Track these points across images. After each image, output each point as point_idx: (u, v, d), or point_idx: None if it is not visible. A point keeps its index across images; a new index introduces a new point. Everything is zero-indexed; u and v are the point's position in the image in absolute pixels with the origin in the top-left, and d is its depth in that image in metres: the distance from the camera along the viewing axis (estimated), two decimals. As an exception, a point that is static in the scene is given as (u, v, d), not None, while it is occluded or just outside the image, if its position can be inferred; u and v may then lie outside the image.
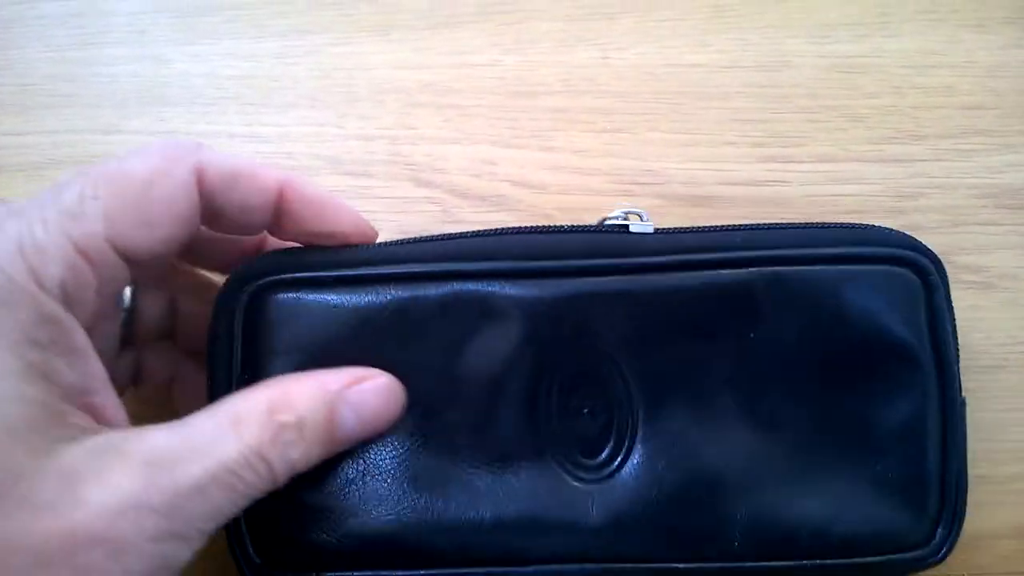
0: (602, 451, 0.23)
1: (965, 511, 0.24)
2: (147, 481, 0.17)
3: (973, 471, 0.24)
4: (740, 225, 0.24)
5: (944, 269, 0.24)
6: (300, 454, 0.20)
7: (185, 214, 0.20)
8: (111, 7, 0.32)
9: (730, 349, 0.23)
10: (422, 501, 0.22)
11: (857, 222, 0.25)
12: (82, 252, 0.18)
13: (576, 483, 0.23)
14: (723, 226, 0.24)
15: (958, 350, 0.24)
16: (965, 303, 0.28)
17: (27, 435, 0.16)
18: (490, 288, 0.23)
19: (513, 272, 0.23)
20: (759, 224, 0.24)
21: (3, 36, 0.32)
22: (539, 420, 0.23)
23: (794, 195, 0.29)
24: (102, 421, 0.19)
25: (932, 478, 0.23)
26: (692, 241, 0.24)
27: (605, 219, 0.25)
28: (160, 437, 0.18)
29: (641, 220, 0.24)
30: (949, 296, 0.24)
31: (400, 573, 0.22)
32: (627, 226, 0.24)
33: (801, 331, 0.23)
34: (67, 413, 0.18)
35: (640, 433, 0.23)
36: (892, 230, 0.25)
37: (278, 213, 0.22)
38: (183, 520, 0.17)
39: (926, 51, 0.30)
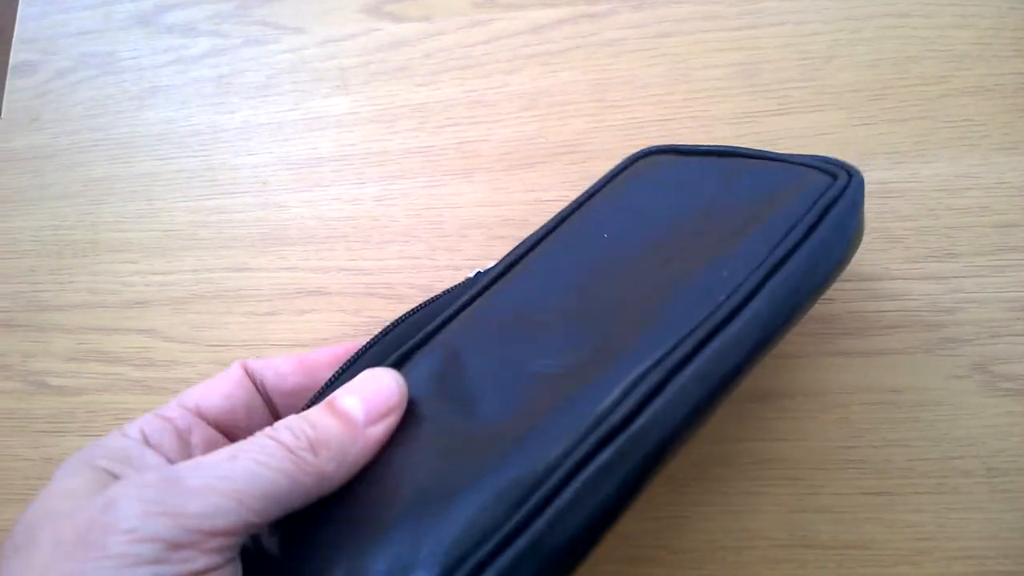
0: None
1: None
2: (143, 480, 0.20)
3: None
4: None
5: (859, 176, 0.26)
6: (326, 464, 0.22)
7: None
8: (238, 162, 0.37)
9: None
10: None
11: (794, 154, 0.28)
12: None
13: None
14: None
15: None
16: (1002, 409, 0.31)
17: None
18: None
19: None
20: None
21: (148, 188, 0.38)
22: None
23: (839, 311, 0.32)
24: None
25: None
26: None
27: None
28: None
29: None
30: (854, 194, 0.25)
31: None
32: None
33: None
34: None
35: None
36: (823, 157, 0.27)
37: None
38: (194, 522, 0.19)
39: (959, 174, 0.33)
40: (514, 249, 0.28)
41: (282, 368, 0.27)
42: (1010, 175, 0.33)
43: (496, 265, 0.28)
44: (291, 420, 0.21)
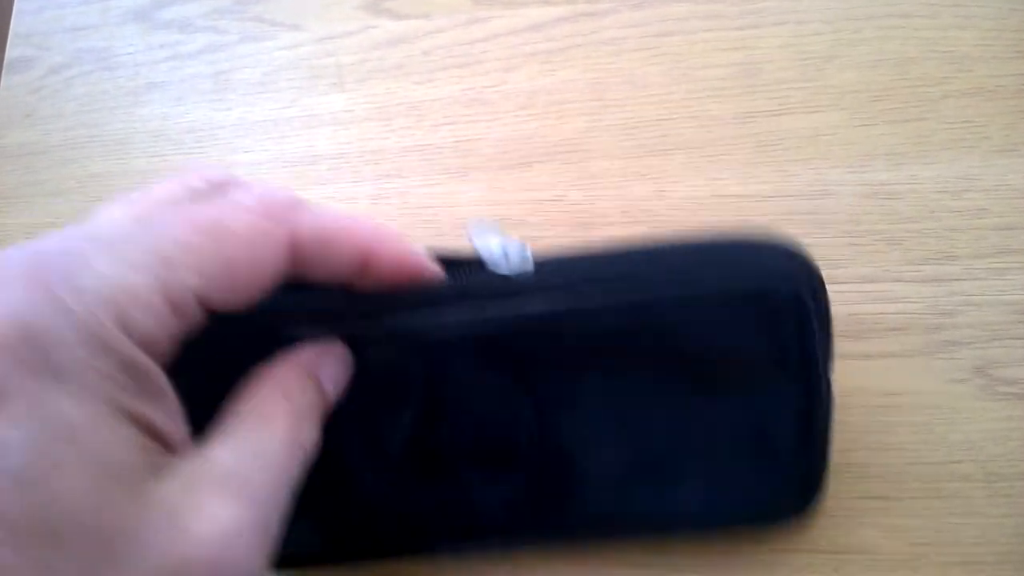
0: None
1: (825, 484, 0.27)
2: (238, 507, 0.17)
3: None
4: (616, 248, 0.26)
5: (819, 277, 0.26)
6: (315, 431, 0.21)
7: (272, 277, 0.20)
8: (234, 160, 0.37)
9: (606, 375, 0.25)
10: None
11: (736, 234, 0.26)
12: (170, 302, 0.18)
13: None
14: (600, 249, 0.26)
15: (832, 353, 0.27)
16: (1002, 413, 0.30)
17: (127, 478, 0.16)
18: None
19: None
20: (636, 248, 0.25)
21: (143, 185, 0.38)
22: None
23: (838, 313, 0.32)
24: (171, 449, 0.18)
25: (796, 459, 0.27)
26: (571, 275, 0.25)
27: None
28: (225, 457, 0.19)
29: (522, 256, 0.25)
30: (823, 305, 0.26)
31: None
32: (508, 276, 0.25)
33: (670, 356, 0.25)
34: (152, 451, 0.17)
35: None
36: (772, 243, 0.26)
37: (360, 273, 0.22)
38: (271, 527, 0.18)
39: (959, 176, 0.33)
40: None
41: (354, 249, 0.22)
42: (1011, 177, 0.32)
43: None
44: None
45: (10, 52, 0.41)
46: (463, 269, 0.25)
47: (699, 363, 0.25)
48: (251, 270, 0.19)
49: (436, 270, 0.24)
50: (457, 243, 0.34)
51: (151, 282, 0.17)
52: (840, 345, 0.31)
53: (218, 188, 0.21)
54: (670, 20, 0.35)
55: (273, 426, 0.19)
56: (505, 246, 0.25)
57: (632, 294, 0.24)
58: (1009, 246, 0.32)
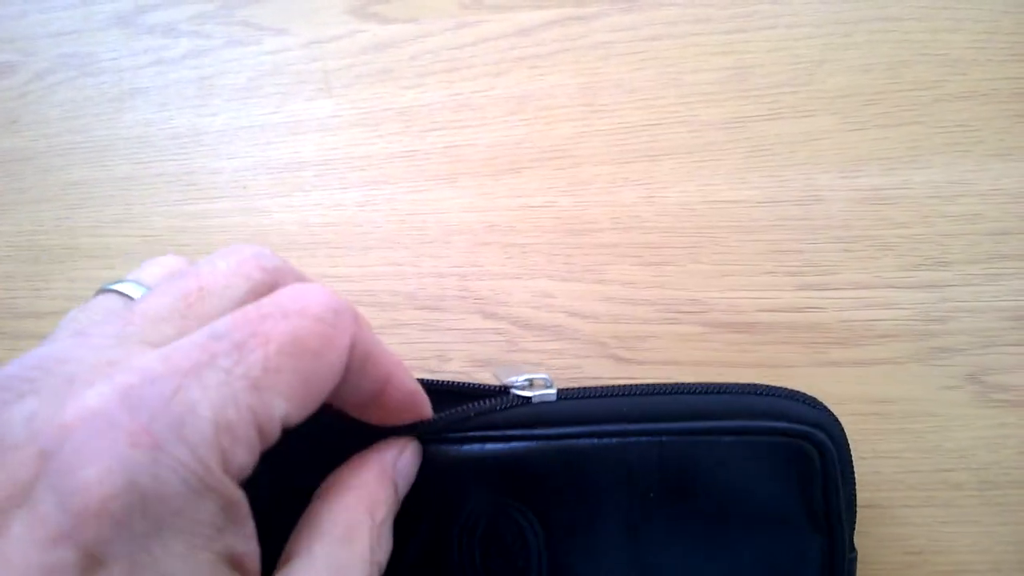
0: None
1: None
2: None
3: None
4: (641, 387, 0.26)
5: (843, 433, 0.25)
6: (390, 542, 0.21)
7: (329, 391, 0.19)
8: (219, 166, 0.37)
9: (622, 509, 0.25)
10: None
11: (762, 385, 0.26)
12: (260, 431, 0.17)
13: None
14: (624, 389, 0.26)
15: (855, 510, 0.26)
16: (995, 421, 0.30)
17: None
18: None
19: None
20: (660, 388, 0.26)
21: (126, 192, 0.37)
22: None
23: (830, 320, 0.32)
24: (244, 571, 0.18)
25: None
26: (592, 409, 0.25)
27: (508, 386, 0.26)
28: None
29: (545, 386, 0.26)
30: (847, 460, 0.25)
31: None
32: (529, 398, 0.25)
33: (689, 495, 0.25)
34: None
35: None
36: (799, 398, 0.26)
37: (375, 399, 0.22)
38: None
39: (953, 181, 0.32)
40: None
41: (381, 371, 0.21)
42: (1004, 181, 0.32)
43: None
44: None
45: (-7, 57, 0.41)
46: (484, 398, 0.25)
47: (718, 505, 0.25)
48: (322, 385, 0.18)
49: (430, 412, 0.24)
50: (447, 251, 0.34)
51: (247, 417, 0.16)
52: (832, 352, 0.31)
53: (274, 278, 0.20)
54: (659, 24, 0.35)
55: (355, 548, 0.19)
56: (530, 377, 0.26)
57: (653, 434, 0.25)
58: (1003, 252, 0.32)
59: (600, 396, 0.26)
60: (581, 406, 0.25)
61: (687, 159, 0.34)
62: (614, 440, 0.25)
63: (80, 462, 0.14)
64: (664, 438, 0.25)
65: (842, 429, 0.25)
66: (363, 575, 0.19)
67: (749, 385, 0.26)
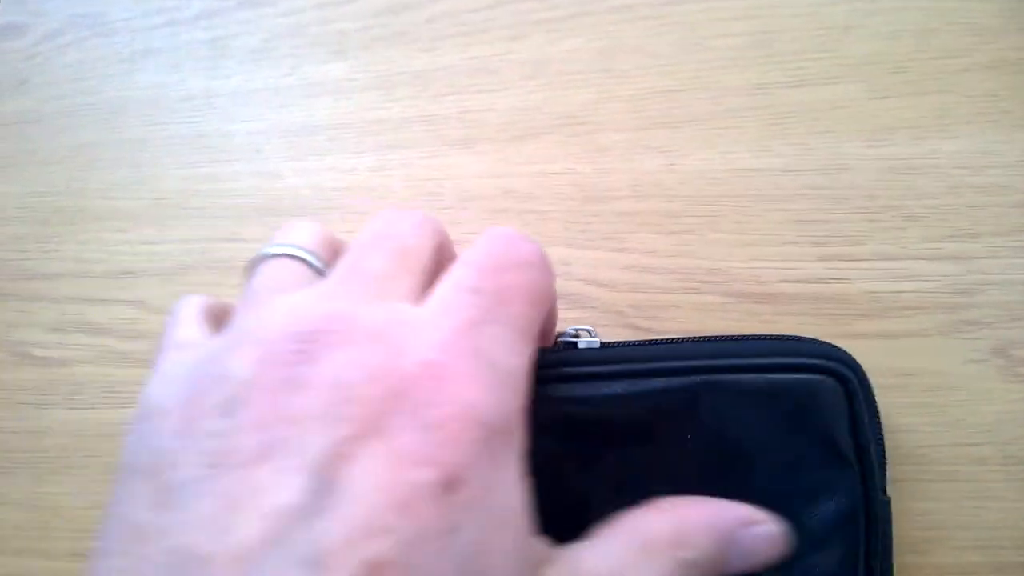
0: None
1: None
2: None
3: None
4: (681, 338, 0.27)
5: (866, 378, 0.26)
6: None
7: None
8: (231, 129, 0.36)
9: (672, 448, 0.25)
10: None
11: (790, 335, 0.27)
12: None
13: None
14: (664, 339, 0.27)
15: (883, 452, 0.26)
16: (1021, 395, 0.29)
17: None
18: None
19: None
20: (699, 336, 0.27)
21: (137, 154, 0.37)
22: None
23: (854, 292, 0.31)
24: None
25: (858, 572, 0.25)
26: (636, 353, 0.26)
27: (558, 336, 0.27)
28: (590, 563, 0.19)
29: (589, 336, 0.27)
30: (872, 402, 0.26)
31: None
32: (575, 343, 0.26)
33: (733, 432, 0.25)
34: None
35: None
36: (821, 341, 0.26)
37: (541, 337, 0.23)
38: None
39: (981, 151, 0.32)
40: None
41: None
42: (1034, 152, 0.31)
43: None
44: None
45: (3, 18, 0.40)
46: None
47: (748, 442, 0.25)
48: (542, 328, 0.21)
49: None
50: (462, 216, 0.34)
51: (525, 364, 0.19)
52: (856, 324, 0.31)
53: (444, 237, 0.22)
54: (683, -12, 0.34)
55: (651, 564, 0.19)
56: (576, 328, 0.27)
57: (686, 372, 0.25)
58: (1031, 223, 0.31)
59: (639, 345, 0.26)
60: (623, 352, 0.26)
61: (709, 126, 0.33)
62: (654, 380, 0.25)
63: (436, 400, 0.16)
64: (698, 377, 0.25)
65: (863, 371, 0.26)
66: None
67: (766, 335, 0.27)
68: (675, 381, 0.25)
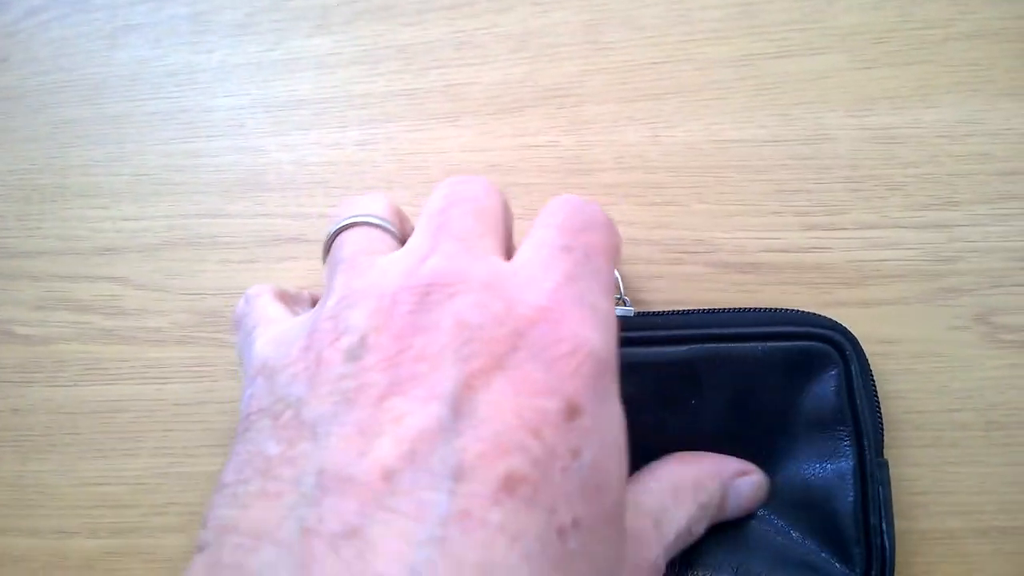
0: None
1: (893, 565, 0.26)
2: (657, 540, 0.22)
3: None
4: (692, 310, 0.29)
5: (859, 345, 0.28)
6: (700, 531, 0.24)
7: None
8: (214, 104, 0.36)
9: (679, 413, 0.27)
10: None
11: (788, 308, 0.29)
12: None
13: None
14: (681, 311, 0.29)
15: (880, 417, 0.27)
16: (1002, 361, 0.30)
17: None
18: None
19: None
20: (704, 309, 0.29)
21: (119, 131, 0.36)
22: None
23: (837, 260, 0.31)
24: None
25: (855, 534, 0.26)
26: (656, 321, 0.29)
27: None
28: (642, 498, 0.23)
29: (624, 304, 0.30)
30: (867, 370, 0.28)
31: None
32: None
33: (733, 398, 0.27)
34: None
35: None
36: (814, 314, 0.28)
37: None
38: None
39: (963, 120, 0.32)
40: None
41: None
42: (1015, 121, 0.32)
43: None
44: None
45: (-18, -4, 0.40)
46: None
47: (748, 405, 0.27)
48: None
49: None
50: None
51: (614, 314, 0.21)
52: (838, 292, 0.31)
53: (504, 198, 0.23)
54: (667, -40, 0.34)
55: (680, 504, 0.24)
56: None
57: (689, 340, 0.28)
58: (1012, 191, 0.31)
59: (667, 313, 0.29)
60: (653, 322, 0.29)
61: (693, 97, 0.33)
62: (667, 347, 0.28)
63: (554, 338, 0.18)
64: (705, 343, 0.28)
65: (858, 341, 0.28)
66: (680, 528, 0.23)
67: (756, 308, 0.29)
68: (679, 350, 0.28)
